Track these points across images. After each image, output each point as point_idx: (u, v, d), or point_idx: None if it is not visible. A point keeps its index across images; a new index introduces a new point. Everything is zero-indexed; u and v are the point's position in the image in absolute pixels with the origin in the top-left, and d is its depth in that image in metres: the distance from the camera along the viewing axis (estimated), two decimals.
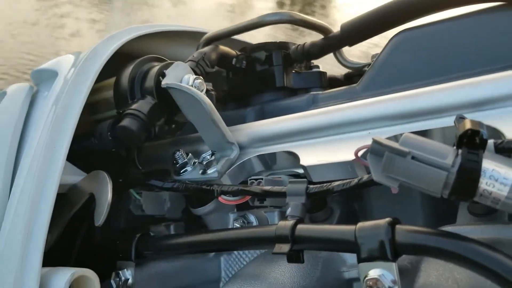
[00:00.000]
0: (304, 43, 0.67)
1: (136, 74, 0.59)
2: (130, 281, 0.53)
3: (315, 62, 0.73)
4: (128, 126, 0.53)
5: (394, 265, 0.36)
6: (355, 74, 0.74)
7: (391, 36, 0.58)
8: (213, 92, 0.71)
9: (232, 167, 0.54)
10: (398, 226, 0.37)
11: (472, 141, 0.34)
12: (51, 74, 0.61)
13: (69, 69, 0.60)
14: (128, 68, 0.59)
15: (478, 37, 0.52)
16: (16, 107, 0.60)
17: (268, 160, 0.54)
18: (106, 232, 0.63)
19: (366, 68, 0.69)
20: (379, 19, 0.59)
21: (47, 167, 0.51)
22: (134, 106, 0.55)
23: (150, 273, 0.56)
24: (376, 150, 0.37)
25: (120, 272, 0.54)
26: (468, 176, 0.33)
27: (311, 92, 0.64)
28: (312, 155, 0.49)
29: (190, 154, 0.58)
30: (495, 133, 0.39)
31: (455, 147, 0.35)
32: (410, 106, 0.46)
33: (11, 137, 0.58)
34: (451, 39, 0.54)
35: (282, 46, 0.68)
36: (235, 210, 0.61)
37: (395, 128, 0.47)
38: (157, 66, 0.59)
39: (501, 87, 0.41)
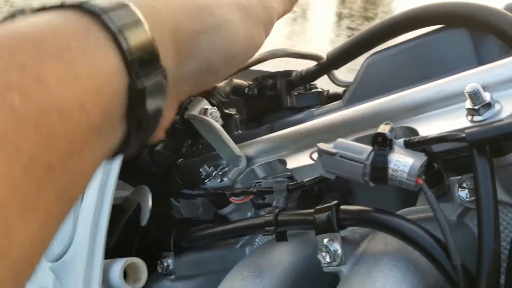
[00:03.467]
0: (302, 70, 0.81)
1: None
2: (170, 267, 0.71)
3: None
4: (161, 150, 0.70)
5: (338, 235, 0.50)
6: None
7: (365, 58, 0.72)
8: (236, 116, 0.88)
9: (241, 175, 0.69)
10: (342, 206, 0.51)
11: (383, 141, 0.48)
12: None
13: None
14: None
15: (427, 53, 0.64)
16: None
17: (267, 168, 0.69)
18: (158, 232, 0.81)
19: None
20: (354, 46, 0.72)
21: (104, 184, 0.70)
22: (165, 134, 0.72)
23: (187, 261, 0.73)
24: (319, 152, 0.51)
25: (163, 260, 0.71)
26: (378, 166, 0.47)
27: (309, 109, 0.78)
28: (295, 160, 0.64)
29: (212, 167, 0.74)
30: (413, 132, 0.52)
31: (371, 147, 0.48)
32: (361, 116, 0.59)
33: None
34: (408, 56, 0.66)
35: (285, 74, 0.83)
36: (253, 209, 0.76)
37: (356, 134, 0.60)
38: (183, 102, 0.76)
39: (423, 97, 0.54)
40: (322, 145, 0.50)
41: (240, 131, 0.86)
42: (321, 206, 0.52)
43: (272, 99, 0.84)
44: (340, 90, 0.91)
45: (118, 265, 0.66)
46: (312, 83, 0.85)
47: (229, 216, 0.77)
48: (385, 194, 0.67)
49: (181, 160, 0.81)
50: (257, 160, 0.71)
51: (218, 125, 0.70)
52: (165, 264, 0.71)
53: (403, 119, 0.55)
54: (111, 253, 0.69)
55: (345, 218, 0.50)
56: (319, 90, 0.84)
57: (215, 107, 0.74)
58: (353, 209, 0.50)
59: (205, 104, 0.74)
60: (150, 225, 0.75)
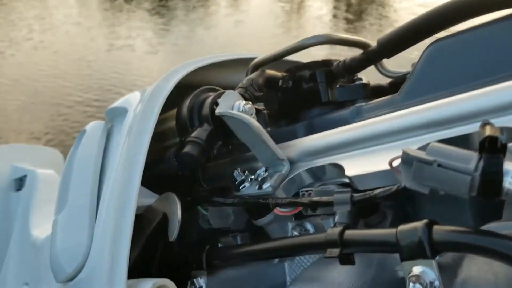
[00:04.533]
0: (345, 59, 0.71)
1: (193, 105, 0.66)
2: None
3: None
4: (190, 152, 0.60)
5: (433, 262, 0.40)
6: (399, 82, 0.77)
7: (425, 46, 0.62)
8: (265, 111, 0.78)
9: (284, 181, 0.59)
10: (435, 227, 0.41)
11: (493, 146, 0.38)
12: (122, 111, 0.70)
13: (137, 104, 0.68)
14: (187, 100, 0.67)
15: (506, 41, 0.54)
16: (95, 143, 0.70)
17: (316, 173, 0.59)
18: (181, 245, 0.71)
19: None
20: (411, 32, 0.62)
21: (125, 191, 0.59)
22: (193, 134, 0.62)
23: (221, 280, 0.63)
24: (406, 160, 0.41)
25: (195, 280, 0.61)
26: (491, 178, 0.37)
27: (356, 104, 0.68)
28: (356, 166, 0.54)
29: (246, 171, 0.64)
30: None
31: (477, 153, 0.38)
32: (442, 114, 0.49)
33: (93, 169, 0.67)
34: (481, 45, 0.56)
35: (324, 63, 0.73)
36: (293, 219, 0.66)
37: (432, 135, 0.51)
38: (211, 96, 0.66)
39: None
40: (410, 151, 0.41)
41: (269, 129, 0.76)
42: (406, 226, 0.43)
43: (309, 92, 0.74)
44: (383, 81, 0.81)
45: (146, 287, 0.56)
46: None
47: (266, 227, 0.67)
48: (457, 204, 0.57)
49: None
50: (301, 164, 0.62)
51: (257, 123, 0.60)
52: (197, 285, 0.61)
53: (497, 117, 0.46)
54: (130, 270, 0.59)
55: (442, 242, 0.40)
56: (364, 82, 0.74)
57: (250, 102, 0.64)
58: (450, 230, 0.40)
59: (237, 98, 0.64)
60: None
